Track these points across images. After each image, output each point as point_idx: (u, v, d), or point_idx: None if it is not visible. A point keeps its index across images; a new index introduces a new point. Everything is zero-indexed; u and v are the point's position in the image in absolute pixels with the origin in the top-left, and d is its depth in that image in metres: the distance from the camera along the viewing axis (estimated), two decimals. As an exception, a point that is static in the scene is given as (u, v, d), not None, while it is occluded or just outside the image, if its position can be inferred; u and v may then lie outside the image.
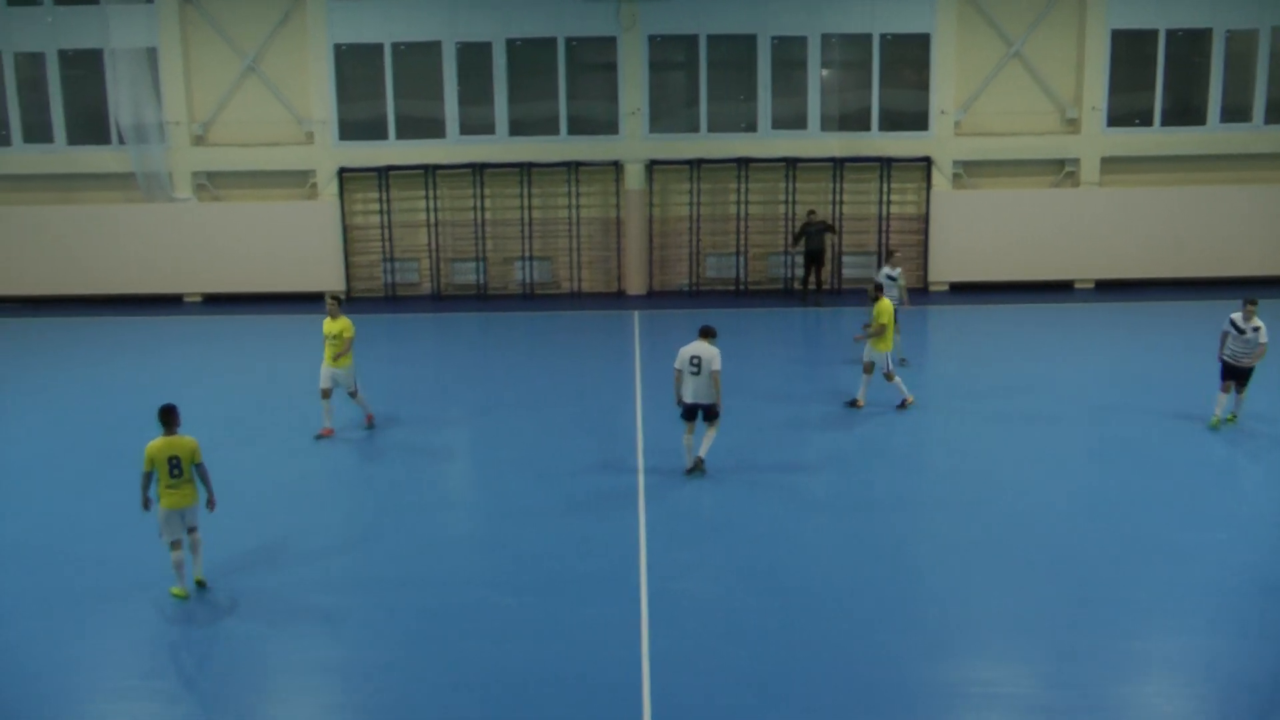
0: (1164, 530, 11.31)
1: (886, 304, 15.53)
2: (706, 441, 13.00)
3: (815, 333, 23.02)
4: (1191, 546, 10.91)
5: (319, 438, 14.76)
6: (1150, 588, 10.00)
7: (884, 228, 25.92)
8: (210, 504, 10.13)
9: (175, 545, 10.01)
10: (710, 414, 12.88)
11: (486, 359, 20.65)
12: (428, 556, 11.04)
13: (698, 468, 12.97)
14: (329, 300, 14.91)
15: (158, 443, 9.93)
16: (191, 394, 17.51)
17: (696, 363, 12.64)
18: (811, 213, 25.01)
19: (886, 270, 18.74)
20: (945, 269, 26.17)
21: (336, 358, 14.55)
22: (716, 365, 12.60)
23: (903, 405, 15.72)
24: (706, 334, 12.82)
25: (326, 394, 14.76)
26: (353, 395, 14.97)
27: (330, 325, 14.64)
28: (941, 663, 8.74)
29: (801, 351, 21.77)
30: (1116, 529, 11.35)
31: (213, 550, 10.61)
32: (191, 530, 10.13)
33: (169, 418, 10.03)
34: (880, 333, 15.35)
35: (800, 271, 25.56)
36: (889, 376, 15.65)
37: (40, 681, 8.67)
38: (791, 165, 25.70)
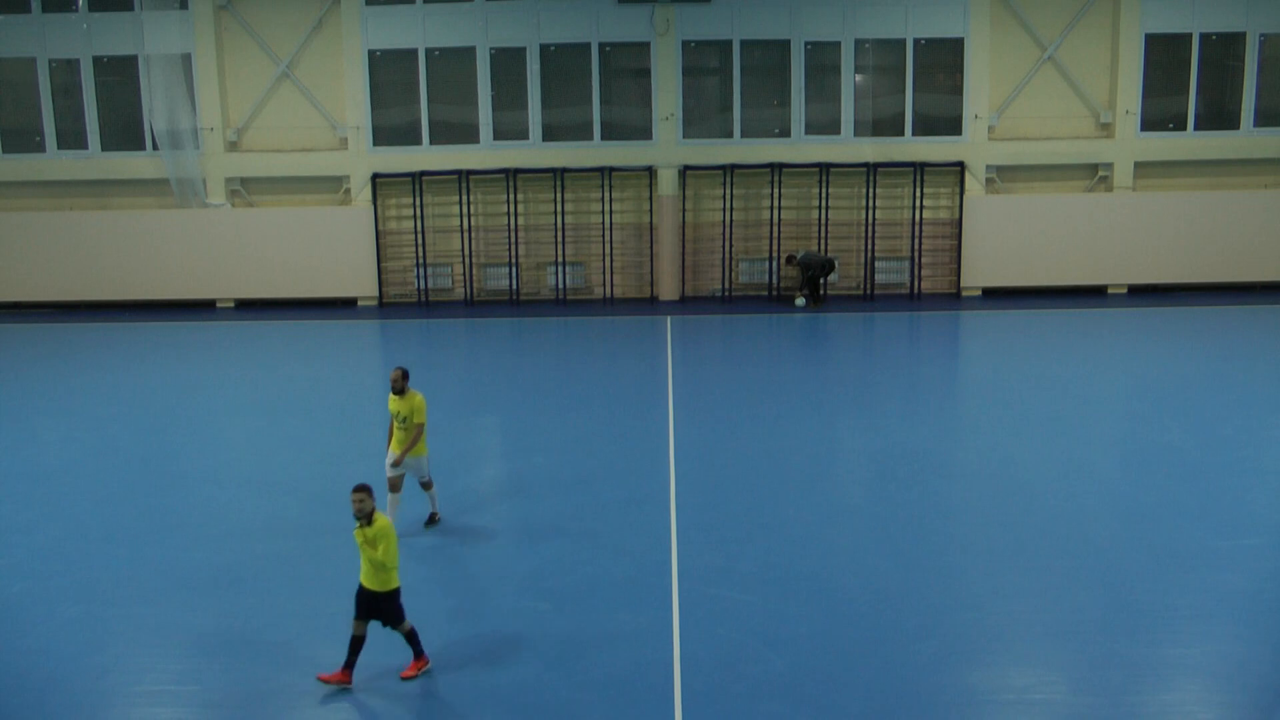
0: (1196, 536, 11.35)
1: (420, 399, 11.54)
2: None
3: (844, 338, 23.03)
4: (1223, 552, 10.95)
5: None
6: (1184, 594, 10.00)
7: (917, 233, 25.93)
8: None
9: None
10: None
11: (519, 363, 20.76)
12: (455, 561, 11.10)
13: None
14: None
15: None
16: (216, 401, 17.76)
17: None
18: (799, 254, 25.44)
19: None
20: (978, 274, 26.16)
21: None
22: None
23: (431, 520, 12.18)
24: None
25: None
26: None
27: None
28: (976, 669, 8.84)
29: (833, 355, 21.82)
30: (1149, 535, 11.42)
31: (237, 559, 10.85)
32: None
33: None
34: (418, 435, 11.52)
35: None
36: (426, 485, 12.09)
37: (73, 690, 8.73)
38: (825, 170, 25.69)
